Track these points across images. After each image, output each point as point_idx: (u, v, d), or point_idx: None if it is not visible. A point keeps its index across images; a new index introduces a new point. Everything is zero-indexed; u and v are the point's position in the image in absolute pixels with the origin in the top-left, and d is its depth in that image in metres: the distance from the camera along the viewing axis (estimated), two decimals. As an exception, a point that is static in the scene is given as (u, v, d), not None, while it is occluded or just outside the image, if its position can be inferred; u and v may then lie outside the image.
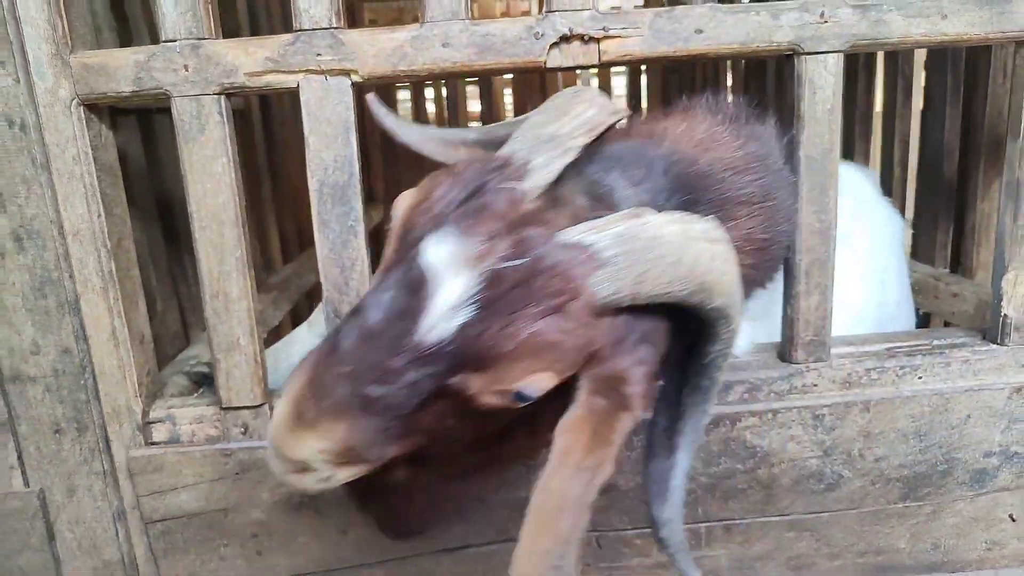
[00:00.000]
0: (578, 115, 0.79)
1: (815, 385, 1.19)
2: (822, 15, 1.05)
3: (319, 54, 1.04)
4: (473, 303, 0.67)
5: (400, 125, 1.00)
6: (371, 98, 1.00)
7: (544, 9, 1.05)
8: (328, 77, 1.05)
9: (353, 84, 1.06)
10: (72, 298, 1.13)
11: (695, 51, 1.06)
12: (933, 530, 1.25)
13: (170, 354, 1.53)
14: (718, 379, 0.81)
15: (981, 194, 1.59)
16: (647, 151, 0.88)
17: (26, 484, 1.21)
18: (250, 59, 1.04)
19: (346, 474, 0.72)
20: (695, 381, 0.80)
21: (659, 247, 0.69)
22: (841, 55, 1.07)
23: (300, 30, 1.04)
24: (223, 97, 1.06)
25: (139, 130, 1.51)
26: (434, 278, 0.68)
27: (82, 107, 1.06)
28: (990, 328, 1.22)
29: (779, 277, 1.14)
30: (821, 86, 1.08)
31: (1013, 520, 1.24)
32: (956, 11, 1.06)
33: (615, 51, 1.06)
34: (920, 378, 1.19)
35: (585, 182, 0.79)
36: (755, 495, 1.21)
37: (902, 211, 1.90)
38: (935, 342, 1.23)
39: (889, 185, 1.96)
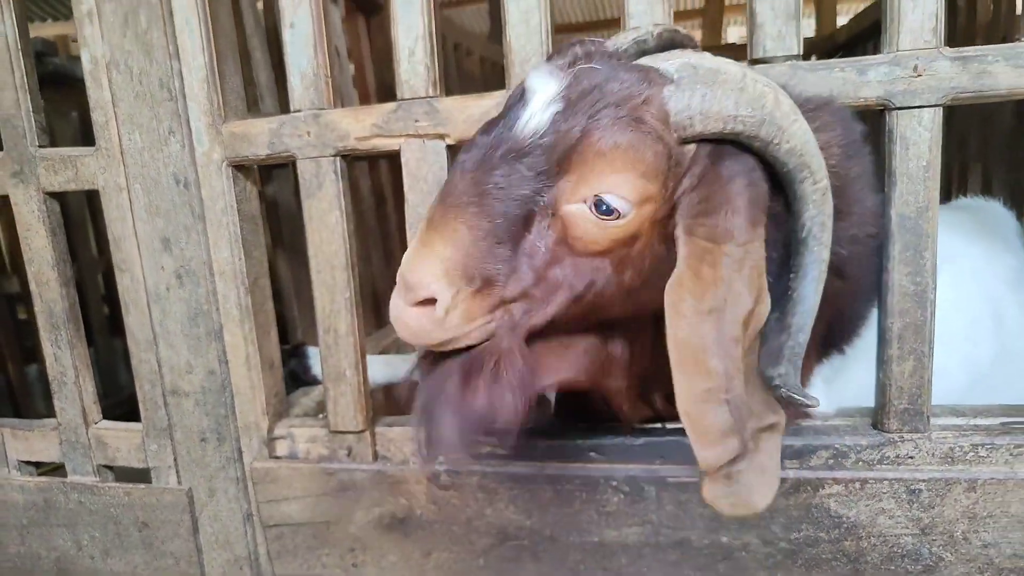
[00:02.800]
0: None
1: (911, 457, 1.11)
2: (915, 68, 1.01)
3: (417, 120, 1.17)
4: (562, 99, 0.80)
5: None
6: None
7: (621, 74, 1.10)
8: (425, 140, 1.17)
9: (448, 147, 1.18)
10: (217, 328, 1.33)
11: (774, 110, 1.06)
12: (1060, 634, 1.11)
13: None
14: (821, 255, 0.84)
15: None
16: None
17: (179, 482, 1.43)
18: (359, 125, 1.19)
19: (462, 315, 0.81)
20: (799, 262, 0.85)
21: (722, 75, 0.81)
22: (939, 109, 1.02)
23: (402, 99, 1.17)
24: (338, 158, 1.21)
25: (291, 180, 1.73)
26: (532, 89, 0.83)
27: (230, 167, 1.27)
28: None
29: (860, 342, 1.09)
30: (915, 142, 1.02)
31: None
32: (1077, 60, 0.97)
33: (691, 111, 1.08)
34: (1041, 459, 1.07)
35: None
36: (841, 568, 1.15)
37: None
38: (1064, 420, 1.10)
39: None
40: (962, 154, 2.22)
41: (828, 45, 3.41)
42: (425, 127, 1.16)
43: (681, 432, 1.15)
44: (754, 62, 1.07)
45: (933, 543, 1.11)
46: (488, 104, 1.14)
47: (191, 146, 1.27)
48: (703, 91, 0.80)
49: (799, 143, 0.81)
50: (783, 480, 1.13)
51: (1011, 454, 1.08)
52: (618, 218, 0.81)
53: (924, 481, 1.10)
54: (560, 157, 0.80)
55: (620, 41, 0.91)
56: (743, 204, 0.81)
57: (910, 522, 1.11)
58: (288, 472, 1.32)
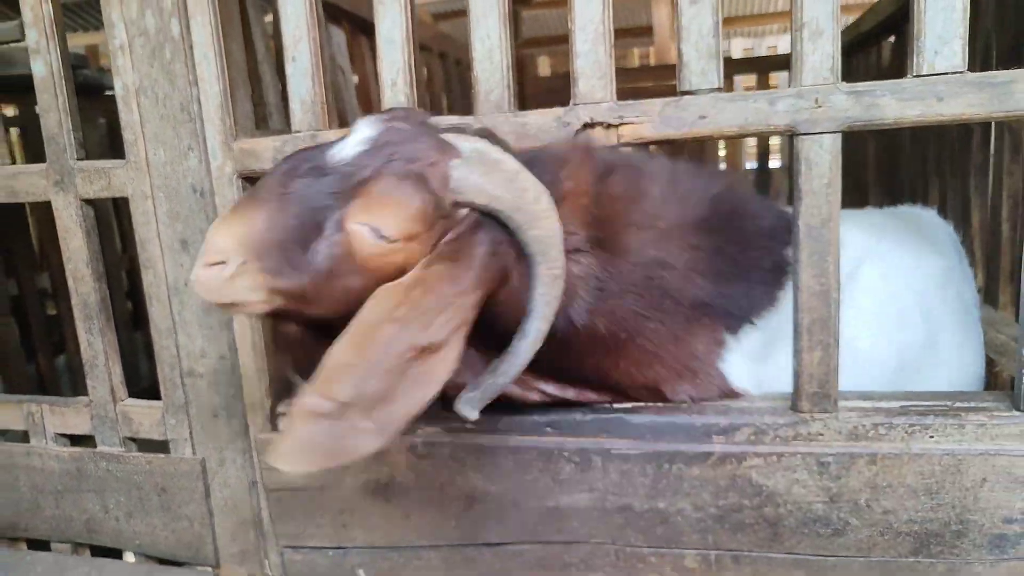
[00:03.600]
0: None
1: (820, 434, 1.28)
2: (816, 100, 1.18)
3: (398, 140, 1.36)
4: (370, 142, 1.02)
5: None
6: None
7: (571, 102, 1.29)
8: (405, 157, 1.36)
9: (425, 162, 1.36)
10: (228, 319, 1.53)
11: (699, 133, 1.24)
12: (950, 589, 1.27)
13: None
14: (541, 326, 1.06)
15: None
16: None
17: (193, 453, 1.63)
18: (350, 145, 1.38)
19: (247, 284, 0.99)
20: (524, 324, 1.07)
21: (501, 165, 1.03)
22: (838, 135, 1.19)
23: (385, 123, 1.36)
24: (332, 172, 1.41)
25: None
26: (354, 131, 1.06)
27: (240, 179, 1.47)
28: (1014, 395, 1.24)
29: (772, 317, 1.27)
30: (817, 163, 1.20)
31: (1039, 591, 1.23)
32: (953, 94, 1.14)
33: (630, 135, 1.27)
34: (931, 437, 1.24)
35: None
36: (762, 531, 1.32)
37: (1013, 269, 1.85)
38: (957, 404, 1.27)
39: (999, 242, 1.90)
40: (924, 168, 2.37)
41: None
42: (405, 146, 1.36)
43: (625, 411, 1.34)
44: (682, 93, 1.25)
45: (841, 509, 1.28)
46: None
47: (207, 160, 1.47)
48: (480, 171, 1.02)
49: (545, 234, 1.04)
50: (711, 453, 1.30)
51: (906, 432, 1.25)
52: (389, 243, 1.01)
53: (832, 455, 1.27)
54: (354, 184, 0.99)
55: (443, 120, 1.13)
56: (477, 265, 1.02)
57: (821, 491, 1.28)
58: (287, 443, 1.51)
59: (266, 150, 1.43)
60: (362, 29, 2.32)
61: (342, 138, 1.08)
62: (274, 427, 1.56)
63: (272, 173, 1.06)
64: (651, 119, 1.25)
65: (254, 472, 1.59)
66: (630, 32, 6.93)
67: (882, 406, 1.28)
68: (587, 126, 1.28)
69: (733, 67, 4.16)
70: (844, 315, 1.26)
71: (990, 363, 1.73)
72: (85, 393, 1.70)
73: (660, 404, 1.34)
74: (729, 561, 1.35)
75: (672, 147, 3.49)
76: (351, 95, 2.42)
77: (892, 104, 1.16)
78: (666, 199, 1.23)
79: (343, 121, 2.36)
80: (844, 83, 1.17)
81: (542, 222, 1.03)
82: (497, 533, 1.43)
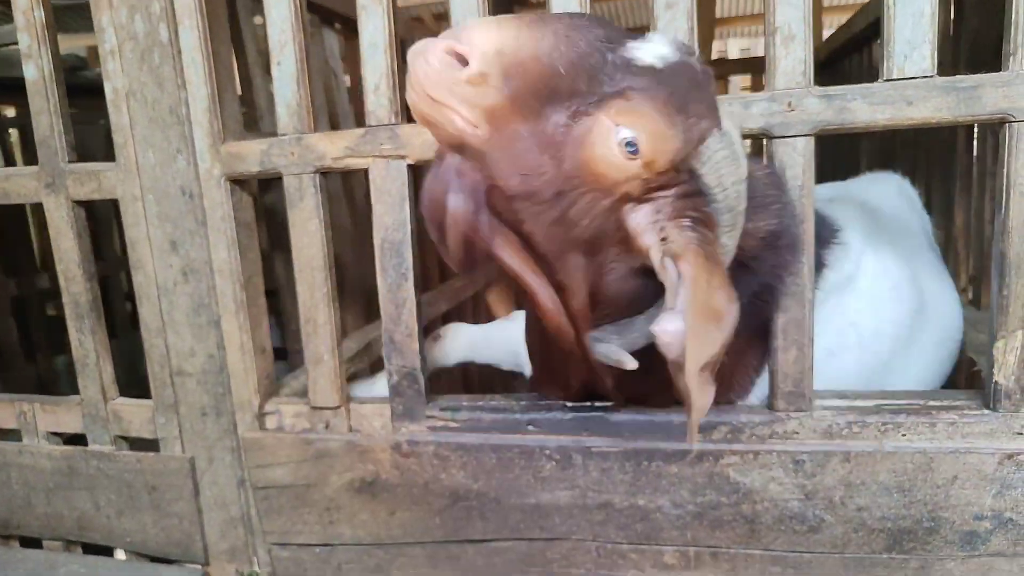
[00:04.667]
0: None
1: (796, 432, 1.30)
2: (789, 104, 1.20)
3: (382, 144, 1.38)
4: (667, 58, 0.97)
5: None
6: None
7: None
8: (389, 160, 1.39)
9: (408, 166, 1.39)
10: (216, 318, 1.56)
11: (675, 137, 1.26)
12: (923, 585, 1.29)
13: (300, 363, 1.95)
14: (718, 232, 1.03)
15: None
16: None
17: (183, 451, 1.65)
18: (334, 147, 1.41)
19: (476, 98, 0.90)
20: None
21: (741, 162, 1.03)
22: (811, 138, 1.21)
23: (369, 126, 1.39)
24: (317, 175, 1.43)
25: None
26: (654, 38, 1.00)
27: (228, 182, 1.49)
28: (985, 394, 1.26)
29: None
30: (791, 165, 1.22)
31: (1010, 587, 1.25)
32: (922, 98, 1.16)
33: (608, 138, 1.29)
34: (903, 435, 1.26)
35: None
36: (739, 528, 1.34)
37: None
38: (929, 403, 1.29)
39: (981, 242, 1.93)
40: (914, 171, 2.39)
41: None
42: (389, 149, 1.38)
43: (604, 409, 1.36)
44: (660, 97, 1.27)
45: (816, 506, 1.30)
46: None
47: (195, 163, 1.49)
48: (727, 155, 1.00)
49: (731, 246, 1.04)
50: (689, 450, 1.32)
51: (879, 430, 1.27)
52: (629, 157, 0.93)
53: (807, 453, 1.29)
54: (637, 84, 0.92)
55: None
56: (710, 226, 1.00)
57: (796, 488, 1.30)
58: (273, 441, 1.53)
59: (252, 153, 1.46)
60: (355, 32, 2.34)
61: (645, 36, 0.99)
62: (261, 426, 1.58)
63: (563, 17, 0.96)
64: (629, 122, 1.27)
65: (242, 470, 1.62)
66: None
67: (856, 405, 1.30)
68: (566, 129, 1.30)
69: (729, 67, 4.18)
70: (844, 298, 1.30)
71: (970, 363, 1.76)
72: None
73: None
74: (707, 557, 1.37)
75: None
76: (343, 98, 2.44)
77: (863, 108, 1.18)
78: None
79: (335, 124, 2.39)
80: (816, 87, 1.20)
81: (735, 232, 1.04)
82: (481, 530, 1.46)
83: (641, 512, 1.37)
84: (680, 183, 0.99)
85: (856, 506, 1.29)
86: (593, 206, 0.98)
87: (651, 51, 0.97)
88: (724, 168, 1.00)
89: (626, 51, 0.95)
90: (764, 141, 1.24)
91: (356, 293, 2.26)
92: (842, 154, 3.08)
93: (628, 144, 0.93)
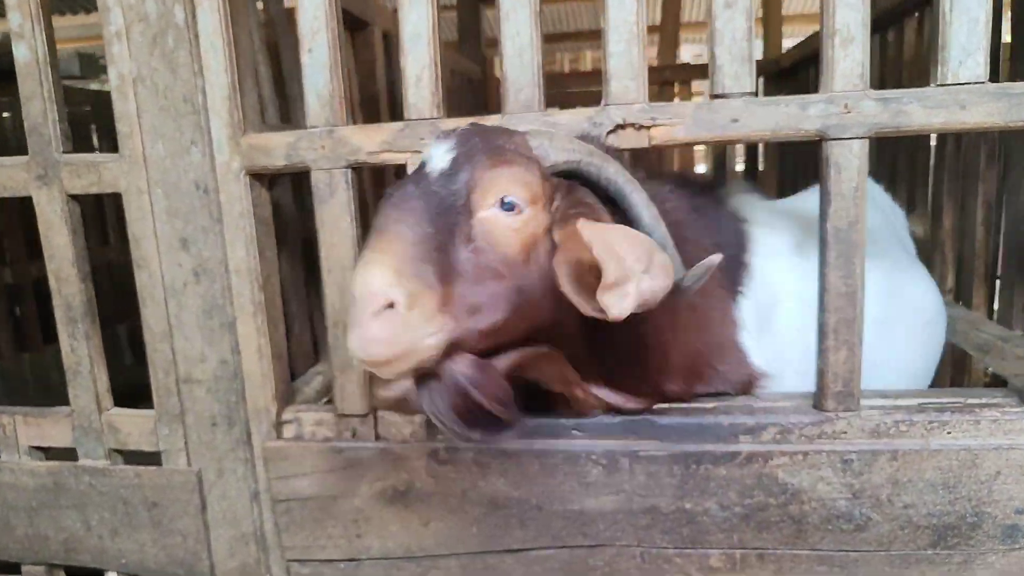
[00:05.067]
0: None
1: (844, 432, 1.31)
2: (846, 106, 1.21)
3: (422, 138, 1.32)
4: (457, 148, 1.08)
5: None
6: None
7: (603, 102, 1.28)
8: (429, 155, 1.33)
9: (449, 160, 1.33)
10: (230, 320, 1.46)
11: (731, 137, 1.25)
12: (964, 579, 1.32)
13: (301, 369, 1.85)
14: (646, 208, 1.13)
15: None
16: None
17: (188, 464, 1.54)
18: (370, 141, 1.34)
19: (423, 316, 0.95)
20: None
21: (556, 134, 1.14)
22: (866, 140, 1.22)
23: (409, 119, 1.32)
24: (348, 170, 1.36)
25: (291, 186, 1.86)
26: (432, 151, 1.10)
27: (248, 176, 1.40)
28: (1023, 392, 1.30)
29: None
30: (846, 167, 1.23)
31: (1048, 578, 1.29)
32: (974, 103, 1.18)
33: (662, 137, 1.27)
34: (949, 433, 1.28)
35: None
36: (787, 528, 1.34)
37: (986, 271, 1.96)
38: (969, 400, 1.32)
39: (973, 245, 2.01)
40: (893, 175, 2.47)
41: (773, 69, 3.67)
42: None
43: (652, 413, 1.34)
44: (714, 97, 1.25)
45: (863, 505, 1.31)
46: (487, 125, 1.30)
47: (211, 155, 1.39)
48: (547, 139, 1.12)
49: (617, 168, 1.13)
50: (738, 452, 1.31)
51: (926, 429, 1.29)
52: (520, 212, 1.05)
53: (855, 452, 1.30)
54: (468, 181, 1.04)
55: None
56: (605, 214, 1.09)
57: (844, 487, 1.31)
58: (299, 451, 1.45)
59: (278, 146, 1.37)
60: (345, 23, 2.26)
61: (426, 159, 1.10)
62: (279, 435, 1.49)
63: (388, 200, 1.05)
64: (683, 121, 1.26)
65: (256, 483, 1.52)
66: (558, 37, 7.05)
67: (901, 404, 1.32)
68: (619, 127, 1.27)
69: (692, 73, 4.24)
70: None
71: (965, 356, 1.83)
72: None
73: (686, 405, 1.35)
74: (754, 559, 1.36)
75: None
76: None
77: (919, 111, 1.20)
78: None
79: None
80: (873, 90, 1.21)
81: (610, 163, 1.12)
82: (520, 539, 1.41)
83: (688, 515, 1.36)
84: (554, 187, 1.11)
85: (903, 503, 1.30)
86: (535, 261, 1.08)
87: (439, 156, 1.09)
88: (558, 146, 1.12)
89: (432, 176, 1.07)
90: (821, 143, 1.24)
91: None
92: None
93: (509, 208, 1.05)
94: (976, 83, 1.19)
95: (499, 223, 1.04)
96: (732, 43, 1.22)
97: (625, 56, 1.25)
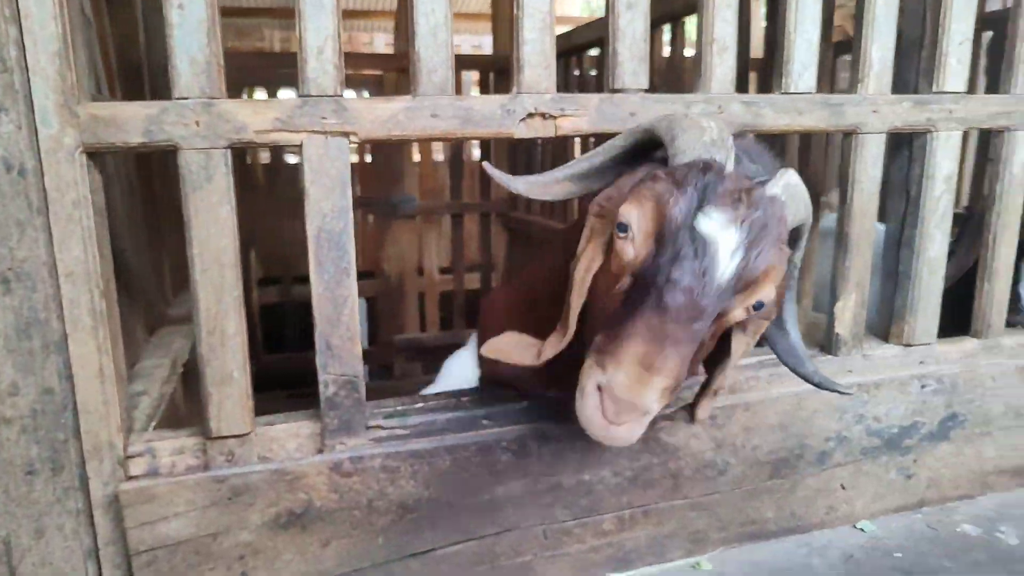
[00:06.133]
0: (711, 128, 1.09)
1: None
2: (720, 108, 1.37)
3: (324, 117, 1.18)
4: (741, 246, 0.98)
5: (511, 180, 1.19)
6: (487, 164, 1.20)
7: (514, 90, 1.27)
8: (329, 137, 1.19)
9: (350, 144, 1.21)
10: (58, 338, 1.15)
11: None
12: (791, 501, 1.61)
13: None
14: (796, 275, 1.26)
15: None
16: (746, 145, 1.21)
17: (-12, 528, 1.19)
18: (260, 118, 1.15)
19: (659, 406, 0.97)
20: (787, 283, 1.22)
21: (800, 187, 1.11)
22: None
23: (308, 95, 1.17)
24: (229, 151, 1.16)
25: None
26: (714, 239, 0.98)
27: (86, 155, 1.11)
28: (826, 343, 1.62)
29: None
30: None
31: (844, 488, 1.64)
32: (808, 110, 1.43)
33: (568, 127, 1.31)
34: (783, 383, 1.55)
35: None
36: (666, 483, 1.49)
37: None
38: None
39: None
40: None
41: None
42: (332, 124, 1.18)
43: (552, 394, 1.39)
44: (613, 91, 1.33)
45: (724, 452, 1.52)
46: (397, 107, 1.21)
47: (32, 127, 1.07)
48: (795, 205, 1.10)
49: (809, 217, 1.18)
50: (630, 422, 1.43)
51: (767, 382, 1.54)
52: (762, 311, 1.07)
53: (719, 408, 1.49)
54: (740, 285, 1.01)
55: (729, 166, 1.07)
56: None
57: (710, 440, 1.50)
58: (168, 489, 1.20)
59: (134, 119, 1.11)
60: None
61: (701, 244, 0.98)
62: (127, 472, 1.22)
63: (673, 303, 0.97)
64: (588, 113, 1.31)
65: (94, 537, 1.23)
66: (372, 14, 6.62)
67: (748, 362, 1.55)
68: (529, 116, 1.28)
69: (464, 63, 4.26)
70: None
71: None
72: None
73: (585, 383, 1.42)
74: (640, 516, 1.50)
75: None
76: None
77: (770, 114, 1.41)
78: None
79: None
80: (738, 94, 1.39)
81: (810, 209, 1.16)
82: (429, 540, 1.36)
83: (586, 486, 1.44)
84: None
85: (752, 446, 1.54)
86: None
87: (726, 249, 1.04)
88: (798, 213, 1.14)
89: (723, 275, 1.03)
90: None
91: (137, 293, 1.81)
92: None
93: (757, 309, 1.07)
94: (808, 93, 1.44)
95: (737, 317, 1.05)
96: (632, 42, 1.31)
97: (539, 44, 1.26)
